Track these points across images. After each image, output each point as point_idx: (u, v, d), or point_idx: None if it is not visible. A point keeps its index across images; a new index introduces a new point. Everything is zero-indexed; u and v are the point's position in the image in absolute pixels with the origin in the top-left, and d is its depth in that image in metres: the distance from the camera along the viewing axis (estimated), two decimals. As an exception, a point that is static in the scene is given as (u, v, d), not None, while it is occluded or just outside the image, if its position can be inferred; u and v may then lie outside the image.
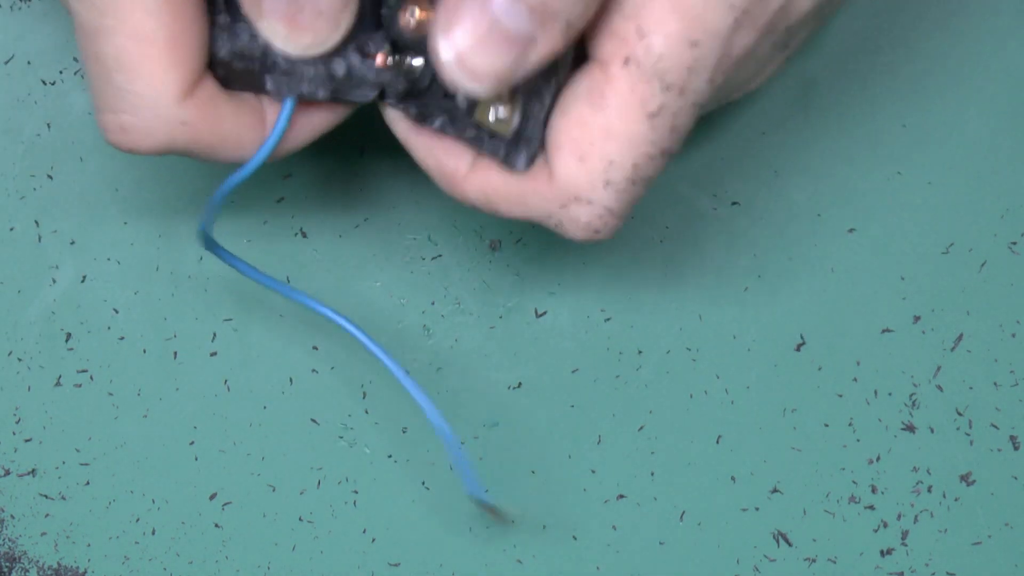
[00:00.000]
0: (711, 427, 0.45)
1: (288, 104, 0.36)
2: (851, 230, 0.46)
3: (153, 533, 0.45)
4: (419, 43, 0.35)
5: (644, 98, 0.34)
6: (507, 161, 0.35)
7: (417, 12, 0.35)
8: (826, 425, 0.46)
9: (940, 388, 0.46)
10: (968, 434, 0.46)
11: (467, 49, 0.33)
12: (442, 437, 0.39)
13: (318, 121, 0.37)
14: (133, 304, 0.45)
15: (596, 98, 0.34)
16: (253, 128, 0.36)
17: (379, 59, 0.35)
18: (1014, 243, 0.46)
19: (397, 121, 0.37)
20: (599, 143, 0.34)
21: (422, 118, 0.36)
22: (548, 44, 0.33)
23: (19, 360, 0.45)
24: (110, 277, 0.45)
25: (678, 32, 0.33)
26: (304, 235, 0.45)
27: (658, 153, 0.34)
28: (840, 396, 0.46)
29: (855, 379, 0.46)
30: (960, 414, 0.46)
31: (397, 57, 0.35)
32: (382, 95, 0.36)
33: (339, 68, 0.35)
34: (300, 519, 0.45)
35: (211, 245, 0.39)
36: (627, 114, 0.34)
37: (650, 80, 0.33)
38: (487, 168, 0.36)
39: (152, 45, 0.33)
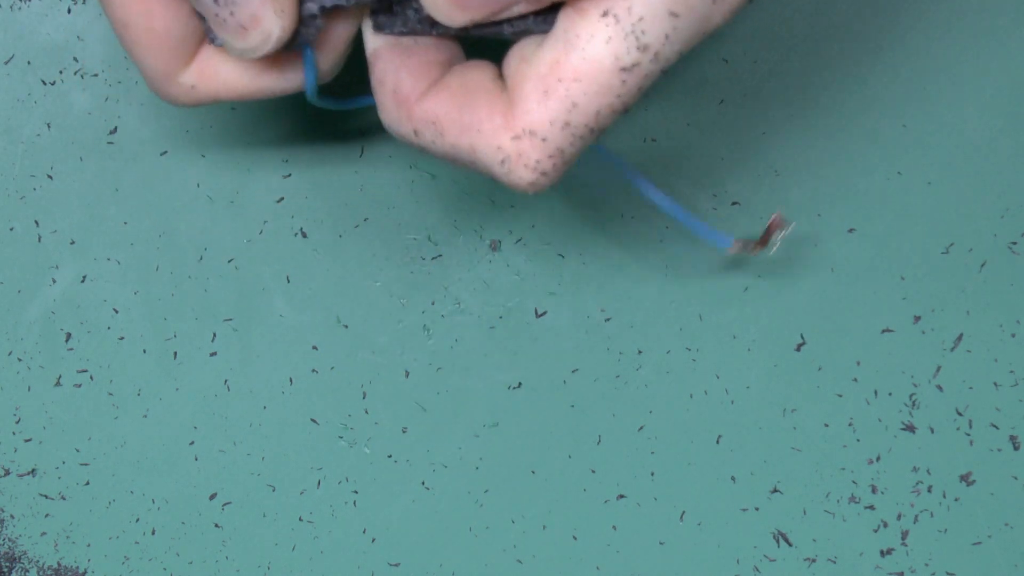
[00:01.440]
0: (711, 427, 0.45)
1: (308, 55, 0.37)
2: (851, 230, 0.46)
3: (153, 533, 0.45)
4: None
5: (619, 52, 0.34)
6: (545, 23, 0.36)
7: None
8: (826, 425, 0.45)
9: (940, 388, 0.46)
10: (968, 434, 0.46)
11: None
12: (664, 207, 0.39)
13: (343, 29, 0.38)
14: (133, 304, 0.45)
15: (572, 39, 0.34)
16: (268, 65, 0.37)
17: None
18: (1014, 243, 0.46)
19: (370, 32, 0.37)
20: (567, 83, 0.34)
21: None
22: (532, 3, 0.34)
23: (19, 360, 0.45)
24: (110, 277, 0.45)
25: (660, 1, 0.34)
26: (304, 235, 0.45)
27: (621, 106, 0.35)
28: (840, 396, 0.46)
29: (855, 379, 0.46)
30: (960, 414, 0.46)
31: None
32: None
33: None
34: (300, 519, 0.45)
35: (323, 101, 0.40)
36: (601, 63, 0.34)
37: (627, 37, 0.34)
38: (441, 93, 0.36)
39: (146, 31, 0.36)
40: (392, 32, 0.36)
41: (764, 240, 0.40)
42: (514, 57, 0.36)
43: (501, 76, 0.37)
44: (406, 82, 0.37)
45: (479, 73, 0.36)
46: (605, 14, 0.34)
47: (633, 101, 0.35)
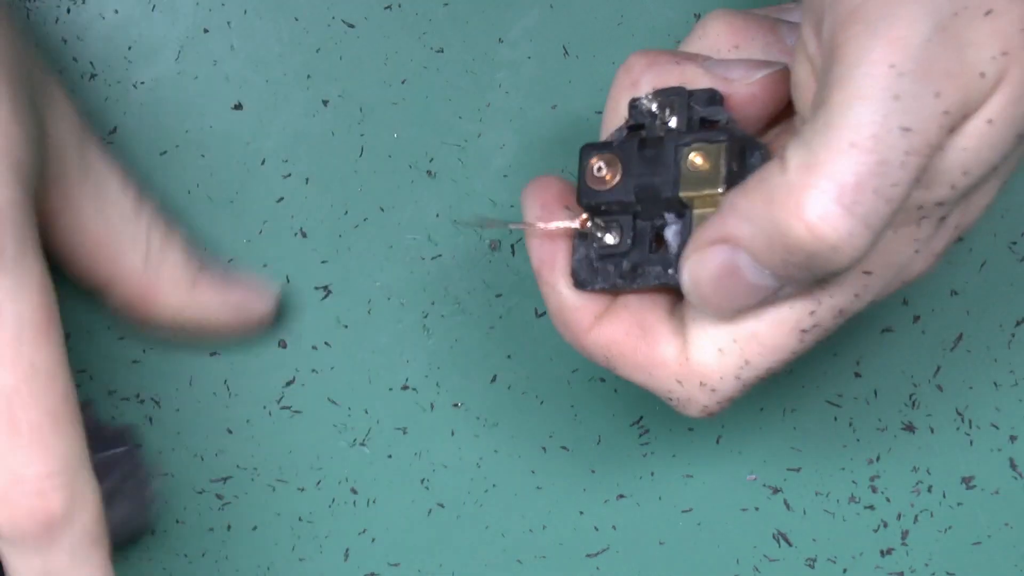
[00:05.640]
0: (711, 427, 0.45)
1: None
2: (851, 230, 0.46)
3: (153, 533, 0.45)
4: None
5: (800, 317, 0.34)
6: None
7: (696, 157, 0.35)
8: (826, 425, 0.45)
9: (940, 388, 0.46)
10: (968, 434, 0.45)
11: (708, 287, 0.33)
12: None
13: None
14: (133, 304, 0.45)
15: None
16: None
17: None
18: (1014, 243, 0.46)
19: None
20: (743, 342, 0.34)
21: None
22: (791, 293, 0.33)
23: (19, 360, 0.45)
24: (110, 277, 0.45)
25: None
26: (304, 235, 0.45)
27: (793, 359, 0.35)
28: (840, 396, 0.46)
29: (855, 379, 0.46)
30: (960, 414, 0.46)
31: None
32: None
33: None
34: (300, 519, 0.45)
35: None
36: (780, 327, 0.34)
37: (810, 299, 0.33)
38: (614, 326, 0.36)
39: None
40: (593, 289, 0.36)
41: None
42: None
43: (674, 309, 0.36)
44: (575, 316, 0.36)
45: (654, 308, 0.36)
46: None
47: (808, 349, 0.35)
